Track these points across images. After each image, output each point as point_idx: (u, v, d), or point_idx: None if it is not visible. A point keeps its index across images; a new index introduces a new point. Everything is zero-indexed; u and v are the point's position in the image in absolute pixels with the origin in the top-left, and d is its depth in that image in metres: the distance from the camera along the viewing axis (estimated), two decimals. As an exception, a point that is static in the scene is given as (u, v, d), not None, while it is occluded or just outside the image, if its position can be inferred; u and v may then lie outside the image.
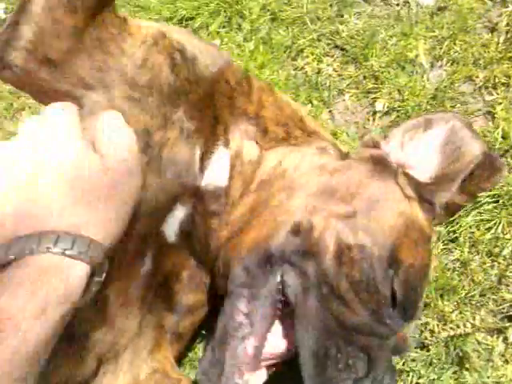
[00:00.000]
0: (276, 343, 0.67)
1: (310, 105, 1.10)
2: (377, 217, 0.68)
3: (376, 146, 0.75)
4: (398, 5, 1.16)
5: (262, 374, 0.67)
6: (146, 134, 0.68)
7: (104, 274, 0.55)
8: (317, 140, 0.78)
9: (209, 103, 0.74)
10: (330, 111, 1.10)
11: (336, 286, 0.64)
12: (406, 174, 0.74)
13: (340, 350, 0.64)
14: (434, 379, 0.79)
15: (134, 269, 0.71)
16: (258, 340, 0.65)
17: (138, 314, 0.73)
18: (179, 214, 0.73)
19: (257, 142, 0.76)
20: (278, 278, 0.66)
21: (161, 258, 0.74)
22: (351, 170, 0.72)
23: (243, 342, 0.65)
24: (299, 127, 0.79)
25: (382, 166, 0.73)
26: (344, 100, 1.11)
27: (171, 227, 0.73)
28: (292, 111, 0.81)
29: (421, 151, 0.75)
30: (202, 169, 0.72)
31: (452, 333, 0.79)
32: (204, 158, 0.73)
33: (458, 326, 0.80)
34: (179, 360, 0.82)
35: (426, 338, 0.84)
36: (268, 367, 0.68)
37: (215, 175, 0.74)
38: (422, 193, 0.74)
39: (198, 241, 0.75)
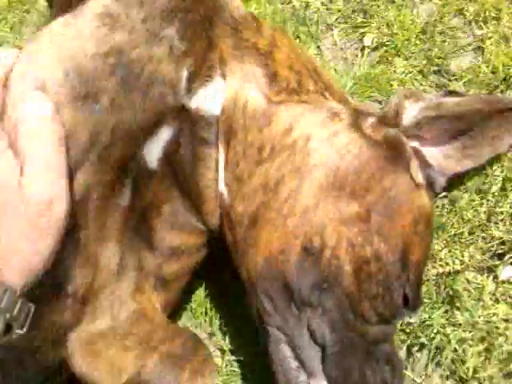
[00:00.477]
0: None
1: (297, 40, 1.01)
2: (390, 216, 0.60)
3: (398, 115, 0.66)
4: None
5: None
6: (118, 53, 0.60)
7: (26, 327, 0.50)
8: (329, 101, 0.68)
9: (206, 26, 0.66)
10: (318, 47, 1.00)
11: (358, 307, 0.59)
12: (417, 152, 0.67)
13: (375, 372, 0.60)
14: (425, 318, 0.75)
15: (113, 201, 0.63)
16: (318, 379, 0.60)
17: (116, 252, 0.66)
18: (164, 135, 0.65)
19: (262, 91, 0.66)
20: (306, 330, 0.60)
21: (140, 188, 0.66)
22: (363, 154, 0.62)
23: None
24: (313, 78, 0.69)
25: (395, 152, 0.64)
26: (332, 35, 1.01)
27: (154, 151, 0.65)
28: (307, 59, 0.72)
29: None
30: (189, 90, 0.65)
31: (441, 270, 0.75)
32: (193, 80, 0.65)
33: (448, 264, 0.76)
34: (168, 315, 0.74)
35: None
36: None
37: (208, 102, 0.66)
38: (430, 173, 0.68)
39: (182, 169, 0.67)
